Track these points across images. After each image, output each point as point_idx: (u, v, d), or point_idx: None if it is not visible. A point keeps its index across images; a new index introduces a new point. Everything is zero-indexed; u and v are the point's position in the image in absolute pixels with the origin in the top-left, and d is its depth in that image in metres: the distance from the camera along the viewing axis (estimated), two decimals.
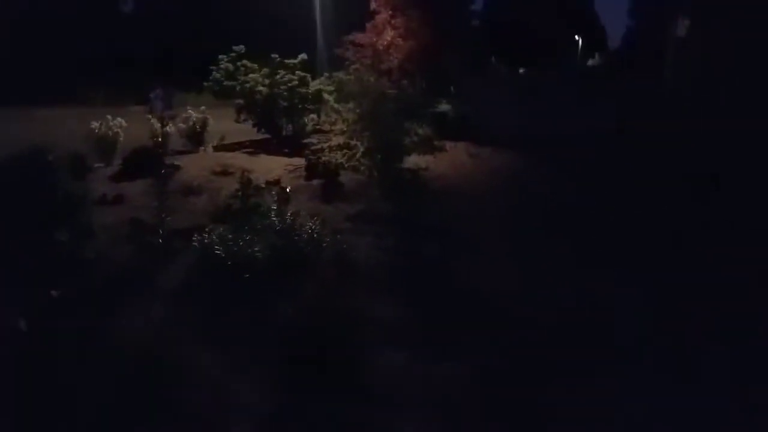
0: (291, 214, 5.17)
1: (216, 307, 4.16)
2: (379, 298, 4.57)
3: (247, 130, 14.15)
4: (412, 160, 9.83)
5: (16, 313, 3.69)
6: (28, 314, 3.70)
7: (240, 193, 5.75)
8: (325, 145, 11.22)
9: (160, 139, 8.72)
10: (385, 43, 17.80)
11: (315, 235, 4.79)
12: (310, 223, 5.04)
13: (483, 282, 5.11)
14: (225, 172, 9.70)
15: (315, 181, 8.64)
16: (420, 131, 9.63)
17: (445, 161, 10.76)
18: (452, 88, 18.76)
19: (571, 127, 15.02)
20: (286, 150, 12.42)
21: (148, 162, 9.59)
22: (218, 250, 4.35)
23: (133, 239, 5.45)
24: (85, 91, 22.84)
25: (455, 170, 10.31)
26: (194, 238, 4.76)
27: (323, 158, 8.59)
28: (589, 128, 14.86)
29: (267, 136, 13.98)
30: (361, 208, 7.48)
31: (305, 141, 13.63)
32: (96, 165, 9.66)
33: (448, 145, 12.64)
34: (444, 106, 14.92)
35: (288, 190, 8.17)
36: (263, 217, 5.16)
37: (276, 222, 4.83)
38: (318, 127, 14.15)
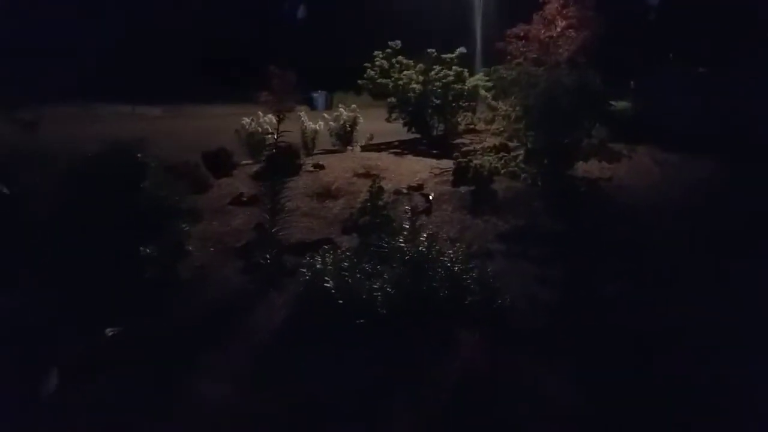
0: (427, 235, 4.01)
1: (309, 377, 3.08)
2: (548, 380, 3.14)
3: (398, 130, 13.45)
4: (585, 167, 8.18)
5: (54, 364, 2.97)
6: (67, 366, 2.95)
7: (369, 205, 4.76)
8: (479, 147, 10.00)
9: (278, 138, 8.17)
10: (555, 34, 15.91)
11: (456, 268, 3.57)
12: (451, 252, 3.81)
13: (699, 349, 3.48)
14: (368, 174, 8.92)
15: (463, 188, 7.44)
16: (595, 132, 7.96)
17: (625, 168, 8.86)
18: (632, 84, 16.26)
19: None
20: (436, 151, 11.41)
21: (292, 160, 9.23)
22: (328, 283, 3.36)
23: (244, 254, 4.72)
24: (255, 92, 24.17)
25: (640, 180, 8.38)
26: (305, 262, 3.82)
27: (474, 161, 7.35)
28: None
29: (417, 135, 13.14)
30: (518, 224, 6.12)
31: (456, 141, 12.55)
32: (243, 162, 9.46)
33: (627, 148, 10.66)
34: (622, 104, 12.73)
35: (431, 197, 7.12)
36: (394, 235, 4.10)
37: (405, 247, 3.69)
38: (471, 126, 12.97)
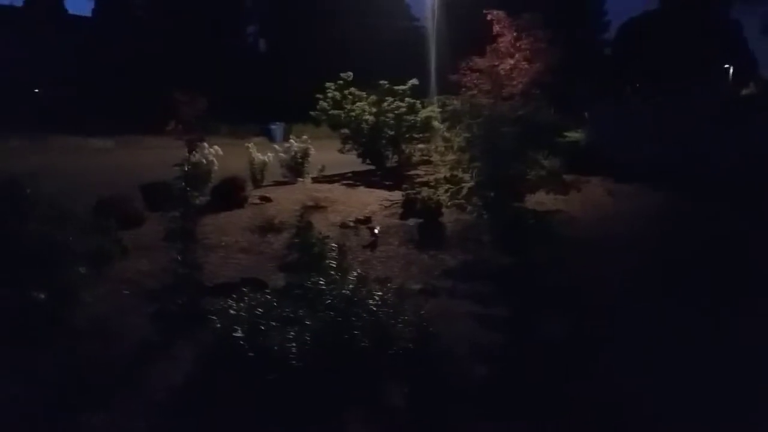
0: (357, 274, 3.66)
1: None
2: None
3: (352, 161, 13.24)
4: (536, 199, 8.03)
5: None
6: None
7: (298, 241, 4.38)
8: (432, 178, 9.82)
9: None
10: (508, 67, 16.10)
11: (383, 312, 3.19)
12: (381, 292, 3.44)
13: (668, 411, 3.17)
14: (316, 206, 8.59)
15: (411, 221, 7.17)
16: (546, 163, 7.84)
17: (577, 200, 8.78)
18: (586, 115, 16.52)
19: (726, 164, 12.16)
20: (389, 182, 11.18)
21: (236, 194, 8.82)
22: (237, 332, 2.96)
23: (161, 298, 4.25)
24: (212, 124, 23.74)
25: (592, 212, 8.29)
26: (219, 307, 3.37)
27: (423, 194, 7.11)
28: (748, 166, 11.92)
29: (371, 167, 12.94)
30: (465, 260, 5.85)
31: (411, 173, 12.39)
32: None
33: (580, 180, 10.63)
34: (575, 134, 12.85)
35: (376, 231, 6.81)
36: (324, 274, 3.72)
37: (328, 289, 3.30)
38: (426, 157, 12.84)
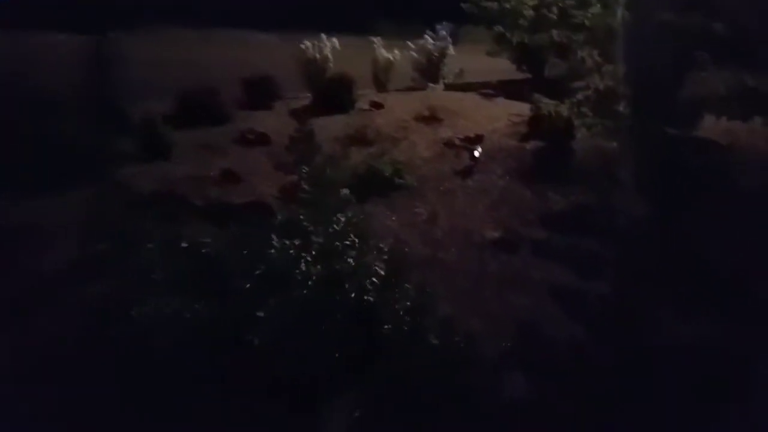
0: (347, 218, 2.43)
1: None
2: None
3: (505, 68, 11.34)
4: (725, 126, 5.72)
5: None
6: None
7: (297, 160, 3.27)
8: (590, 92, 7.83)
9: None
10: None
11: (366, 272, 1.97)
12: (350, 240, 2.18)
13: None
14: (432, 118, 7.29)
15: (532, 144, 5.60)
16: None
17: None
18: None
19: None
20: (542, 95, 9.26)
21: (341, 96, 7.87)
22: None
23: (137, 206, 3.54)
24: (374, 23, 22.60)
25: None
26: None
27: (545, 108, 5.46)
28: None
29: (527, 75, 10.94)
30: (582, 203, 4.25)
31: (578, 84, 10.19)
32: (293, 95, 8.14)
33: None
34: None
35: (476, 154, 5.39)
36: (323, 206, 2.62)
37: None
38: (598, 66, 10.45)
